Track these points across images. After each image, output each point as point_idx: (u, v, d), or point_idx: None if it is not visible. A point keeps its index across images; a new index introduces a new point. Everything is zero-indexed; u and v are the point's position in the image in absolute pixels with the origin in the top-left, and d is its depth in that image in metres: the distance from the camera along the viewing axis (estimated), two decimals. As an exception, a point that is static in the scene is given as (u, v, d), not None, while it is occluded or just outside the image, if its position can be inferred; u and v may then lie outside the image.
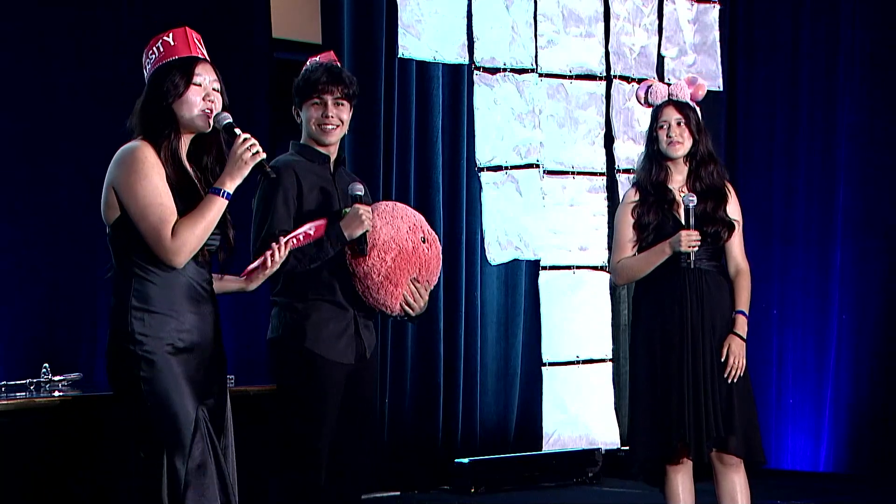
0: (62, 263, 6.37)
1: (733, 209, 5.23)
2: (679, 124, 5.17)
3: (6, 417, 4.37)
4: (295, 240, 4.16)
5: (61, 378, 5.12)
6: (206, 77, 3.84)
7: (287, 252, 4.10)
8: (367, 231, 4.37)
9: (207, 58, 3.89)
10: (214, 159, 3.89)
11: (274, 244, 4.05)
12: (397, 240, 4.43)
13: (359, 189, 4.44)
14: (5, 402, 4.45)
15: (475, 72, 8.03)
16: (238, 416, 3.98)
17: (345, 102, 4.54)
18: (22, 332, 6.29)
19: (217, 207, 3.73)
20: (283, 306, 4.47)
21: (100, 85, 6.53)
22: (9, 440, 4.36)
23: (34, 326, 6.34)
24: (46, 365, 5.17)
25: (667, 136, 5.17)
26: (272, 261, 4.04)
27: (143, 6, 6.74)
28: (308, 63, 4.65)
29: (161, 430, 3.69)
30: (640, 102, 5.34)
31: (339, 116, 4.53)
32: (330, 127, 4.52)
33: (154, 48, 3.87)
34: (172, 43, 3.86)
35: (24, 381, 5.01)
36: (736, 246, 5.21)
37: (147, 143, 3.76)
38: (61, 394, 4.78)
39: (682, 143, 5.18)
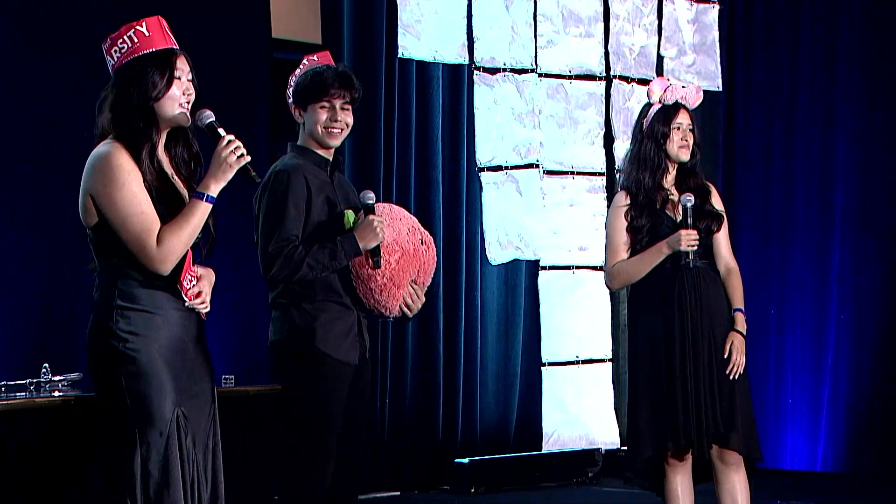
0: (62, 263, 6.36)
1: (717, 204, 5.23)
2: (690, 130, 5.18)
3: (6, 417, 4.35)
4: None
5: (61, 378, 5.11)
6: (183, 70, 3.73)
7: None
8: (380, 242, 4.36)
9: (178, 46, 3.77)
10: (183, 148, 3.79)
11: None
12: (400, 242, 4.43)
13: (370, 197, 4.43)
14: (5, 402, 4.44)
15: (475, 72, 8.04)
16: (238, 417, 3.97)
17: (350, 106, 4.54)
18: (22, 332, 6.28)
19: (201, 212, 3.66)
20: (288, 307, 4.45)
21: (98, 82, 6.51)
22: (9, 440, 4.35)
23: (34, 326, 6.33)
24: (46, 365, 5.16)
25: (682, 139, 5.17)
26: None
27: (142, 5, 6.72)
28: (305, 61, 4.63)
29: (138, 428, 3.65)
30: (650, 96, 5.23)
31: (346, 120, 4.53)
32: (337, 131, 4.51)
33: (125, 38, 3.71)
34: (147, 33, 3.71)
35: (24, 381, 5.00)
36: (723, 244, 5.22)
37: (121, 146, 3.65)
38: (61, 394, 4.77)
39: (689, 148, 5.18)
